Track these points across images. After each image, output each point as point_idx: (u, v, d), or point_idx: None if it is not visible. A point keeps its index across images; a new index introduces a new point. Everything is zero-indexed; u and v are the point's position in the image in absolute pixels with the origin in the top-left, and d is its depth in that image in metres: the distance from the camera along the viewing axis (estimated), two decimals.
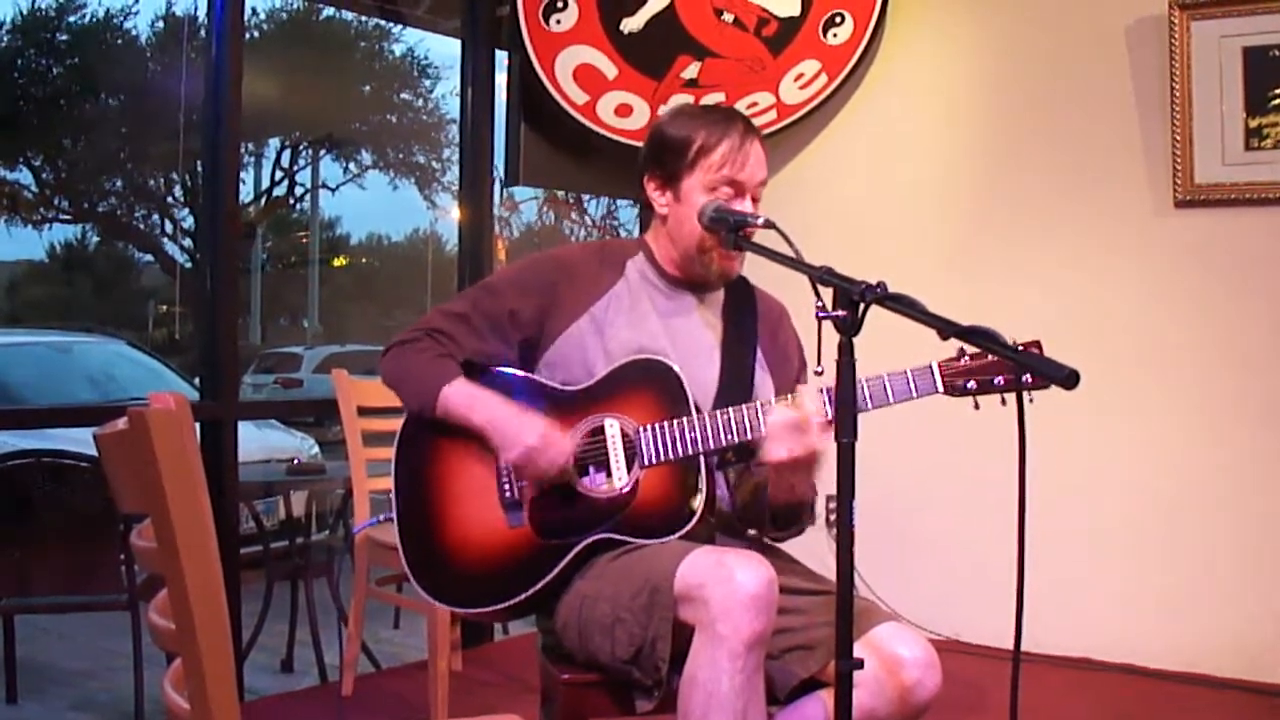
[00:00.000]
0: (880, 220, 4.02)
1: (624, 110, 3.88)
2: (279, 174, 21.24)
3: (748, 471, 1.95)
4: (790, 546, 2.00)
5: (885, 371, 1.78)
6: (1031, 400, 1.51)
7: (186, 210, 19.81)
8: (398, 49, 19.94)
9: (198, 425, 1.61)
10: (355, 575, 3.18)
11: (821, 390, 1.79)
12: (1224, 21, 3.42)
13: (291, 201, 22.34)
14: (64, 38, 17.49)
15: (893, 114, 4.04)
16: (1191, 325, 3.52)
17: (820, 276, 1.56)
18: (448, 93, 19.93)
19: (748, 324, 2.03)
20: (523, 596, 1.86)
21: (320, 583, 3.90)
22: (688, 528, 1.84)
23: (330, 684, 3.57)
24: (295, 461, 4.94)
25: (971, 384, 1.76)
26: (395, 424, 2.02)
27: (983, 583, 2.87)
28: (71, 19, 17.49)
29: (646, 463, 1.87)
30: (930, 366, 1.78)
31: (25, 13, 17.26)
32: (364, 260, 27.64)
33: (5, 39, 17.26)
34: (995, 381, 1.75)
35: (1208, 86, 3.44)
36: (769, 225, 1.80)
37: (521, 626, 3.71)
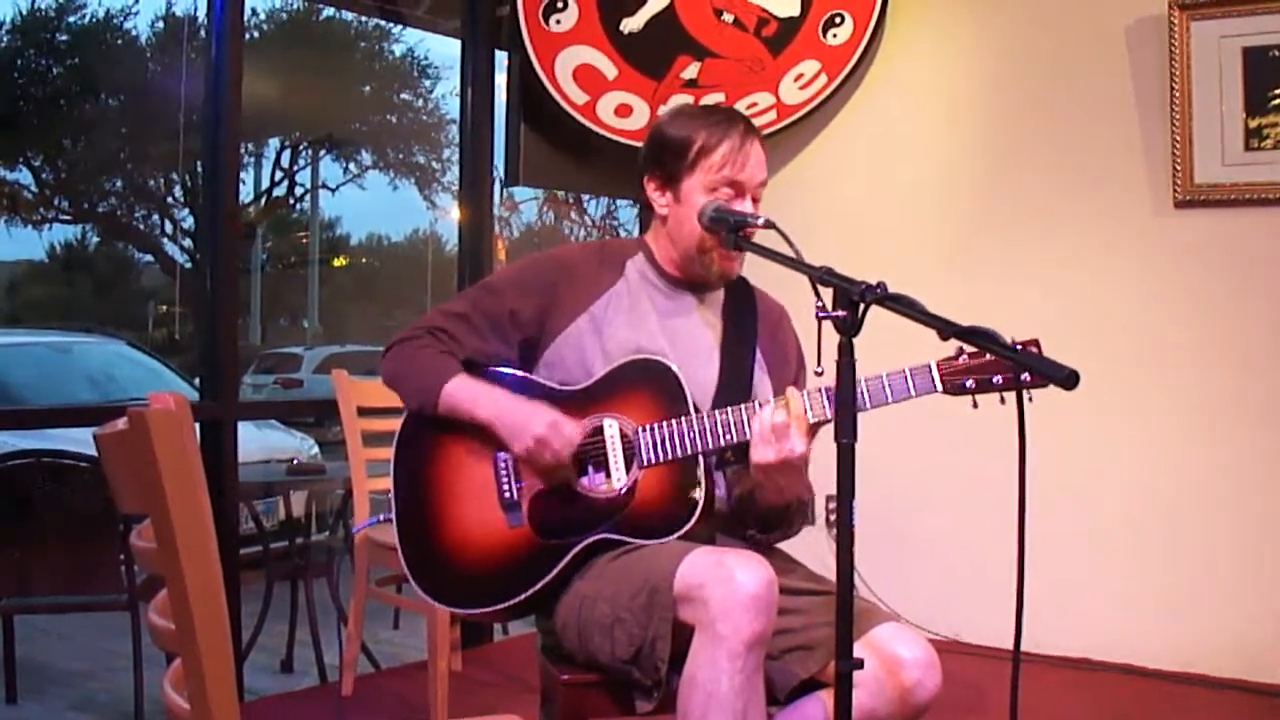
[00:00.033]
0: (880, 220, 4.02)
1: (624, 110, 3.89)
2: (279, 174, 21.25)
3: (746, 472, 1.95)
4: (790, 546, 2.00)
5: (884, 371, 1.78)
6: (1030, 399, 1.51)
7: (186, 210, 19.81)
8: (398, 49, 19.95)
9: (198, 425, 1.61)
10: (355, 575, 3.18)
11: (821, 390, 1.79)
12: (1224, 21, 3.42)
13: (291, 201, 22.34)
14: (64, 38, 17.48)
15: (893, 114, 4.04)
16: (1191, 325, 3.52)
17: (820, 277, 1.56)
18: (448, 93, 19.95)
19: (747, 325, 2.03)
20: (522, 597, 1.86)
21: (320, 583, 3.90)
22: (687, 528, 1.84)
23: (330, 684, 3.57)
24: (295, 462, 4.94)
25: (970, 383, 1.76)
26: (395, 424, 2.02)
27: (983, 583, 2.87)
28: (71, 19, 17.49)
29: (645, 463, 1.87)
30: (929, 366, 1.78)
31: (25, 13, 17.27)
32: (364, 260, 27.63)
33: (5, 39, 17.26)
34: (994, 380, 1.75)
35: (1208, 87, 3.44)
36: (769, 225, 1.80)
37: (521, 626, 3.71)
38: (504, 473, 1.91)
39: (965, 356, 1.76)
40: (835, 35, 3.95)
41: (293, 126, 19.75)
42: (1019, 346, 1.57)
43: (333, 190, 22.17)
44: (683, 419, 1.86)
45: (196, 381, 4.08)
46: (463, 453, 1.93)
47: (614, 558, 1.84)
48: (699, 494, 1.85)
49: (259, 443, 5.19)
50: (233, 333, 3.40)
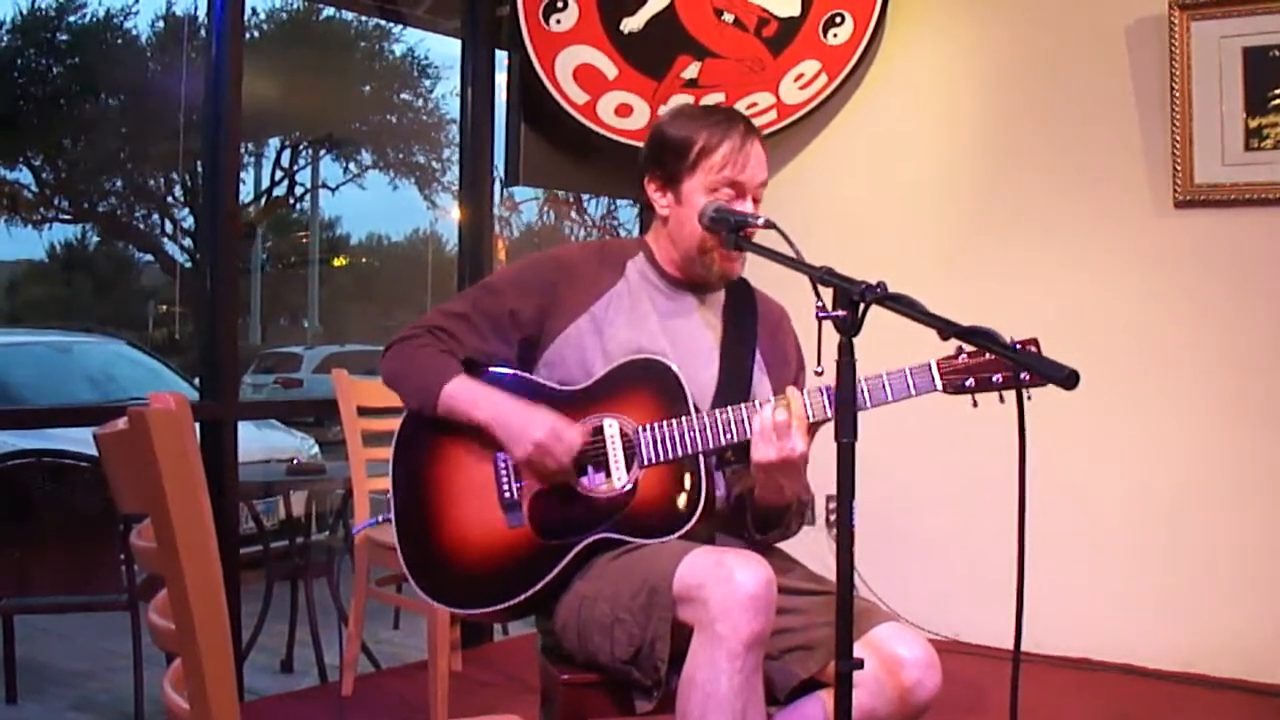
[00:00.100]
0: (880, 220, 4.03)
1: (624, 110, 3.88)
2: (279, 174, 21.26)
3: (746, 471, 1.95)
4: (790, 546, 2.00)
5: (884, 371, 1.78)
6: (1030, 398, 1.51)
7: (186, 210, 19.82)
8: (398, 49, 19.96)
9: (198, 425, 1.61)
10: (355, 575, 3.18)
11: (821, 390, 1.79)
12: (1224, 22, 3.42)
13: (291, 201, 22.35)
14: (64, 38, 17.49)
15: (893, 114, 4.05)
16: (1191, 325, 3.52)
17: (820, 276, 1.56)
18: (448, 93, 19.95)
19: (747, 326, 2.03)
20: (522, 597, 1.86)
21: (320, 583, 3.90)
22: (687, 527, 1.84)
23: (330, 684, 3.57)
24: (295, 461, 4.94)
25: (970, 382, 1.76)
26: (395, 424, 2.02)
27: (982, 583, 2.87)
28: (71, 19, 17.50)
29: (646, 462, 1.87)
30: (929, 365, 1.78)
31: (25, 13, 17.28)
32: (364, 260, 27.63)
33: (5, 39, 17.26)
34: (993, 379, 1.75)
35: (1208, 87, 3.44)
36: (769, 225, 1.80)
37: (521, 627, 3.71)
38: (504, 472, 1.91)
39: (965, 356, 1.76)
40: (835, 35, 3.95)
41: (293, 126, 19.76)
42: (1018, 346, 1.58)
43: (333, 190, 22.20)
44: (683, 418, 1.86)
45: (196, 381, 4.08)
46: (462, 452, 1.93)
47: (614, 557, 1.83)
48: (699, 494, 1.85)
49: (259, 442, 5.19)
50: (233, 333, 3.40)
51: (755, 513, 1.90)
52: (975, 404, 1.77)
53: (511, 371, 1.98)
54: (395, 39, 19.61)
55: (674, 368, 1.90)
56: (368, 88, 20.12)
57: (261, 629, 3.74)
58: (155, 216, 20.55)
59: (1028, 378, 1.61)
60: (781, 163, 4.09)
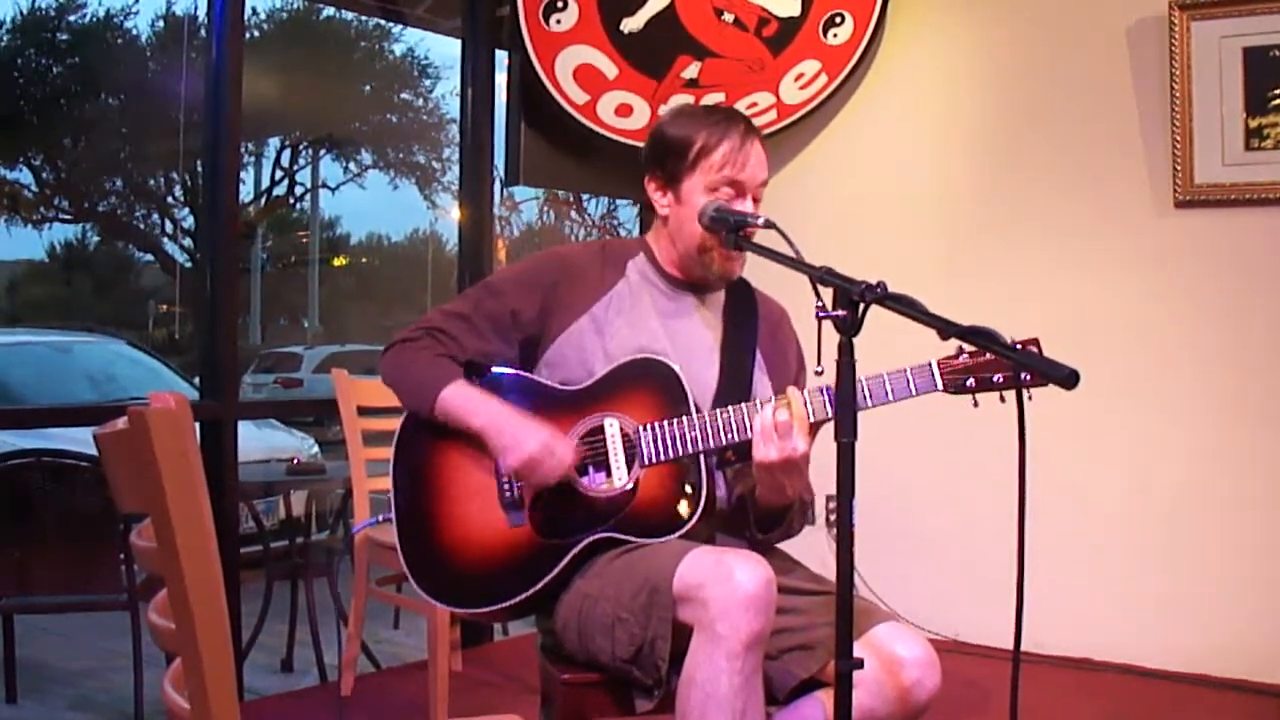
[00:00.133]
0: (880, 220, 4.02)
1: (624, 110, 3.89)
2: (279, 174, 21.28)
3: (747, 471, 1.95)
4: (790, 546, 2.00)
5: (884, 370, 1.78)
6: (1030, 398, 1.51)
7: (186, 210, 19.84)
8: (398, 49, 19.98)
9: (198, 425, 1.61)
10: (355, 575, 3.18)
11: (822, 390, 1.79)
12: (1224, 22, 3.42)
13: (291, 201, 22.36)
14: (64, 38, 17.50)
15: (893, 114, 4.05)
16: (1191, 325, 3.52)
17: (820, 276, 1.56)
18: (448, 93, 19.97)
19: (748, 326, 2.03)
20: (523, 596, 1.86)
21: (320, 583, 3.90)
22: (687, 527, 1.84)
23: (330, 684, 3.57)
24: (295, 461, 4.94)
25: (970, 382, 1.76)
26: (395, 424, 2.02)
27: (983, 583, 2.87)
28: (71, 19, 17.51)
29: (646, 462, 1.87)
30: (929, 365, 1.78)
31: (25, 13, 17.29)
32: (364, 260, 27.65)
33: (5, 39, 17.27)
34: (994, 379, 1.75)
35: (1208, 87, 3.44)
36: (769, 225, 1.80)
37: (521, 626, 3.71)
38: (504, 472, 1.91)
39: (966, 356, 1.76)
40: (835, 35, 3.95)
41: (293, 126, 19.77)
42: (1019, 346, 1.58)
43: (333, 190, 22.22)
44: (684, 418, 1.86)
45: (196, 381, 4.07)
46: (463, 452, 1.93)
47: (615, 557, 1.83)
48: (700, 494, 1.85)
49: (259, 442, 5.19)
50: (233, 332, 3.40)
51: (757, 512, 1.90)
52: (976, 404, 1.77)
53: (514, 371, 1.98)
54: (395, 39, 19.66)
55: (675, 368, 1.90)
56: (368, 88, 20.14)
57: (261, 629, 3.74)
58: (155, 216, 20.58)
59: (1028, 378, 1.61)
60: (781, 163, 4.09)
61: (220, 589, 1.07)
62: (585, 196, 5.53)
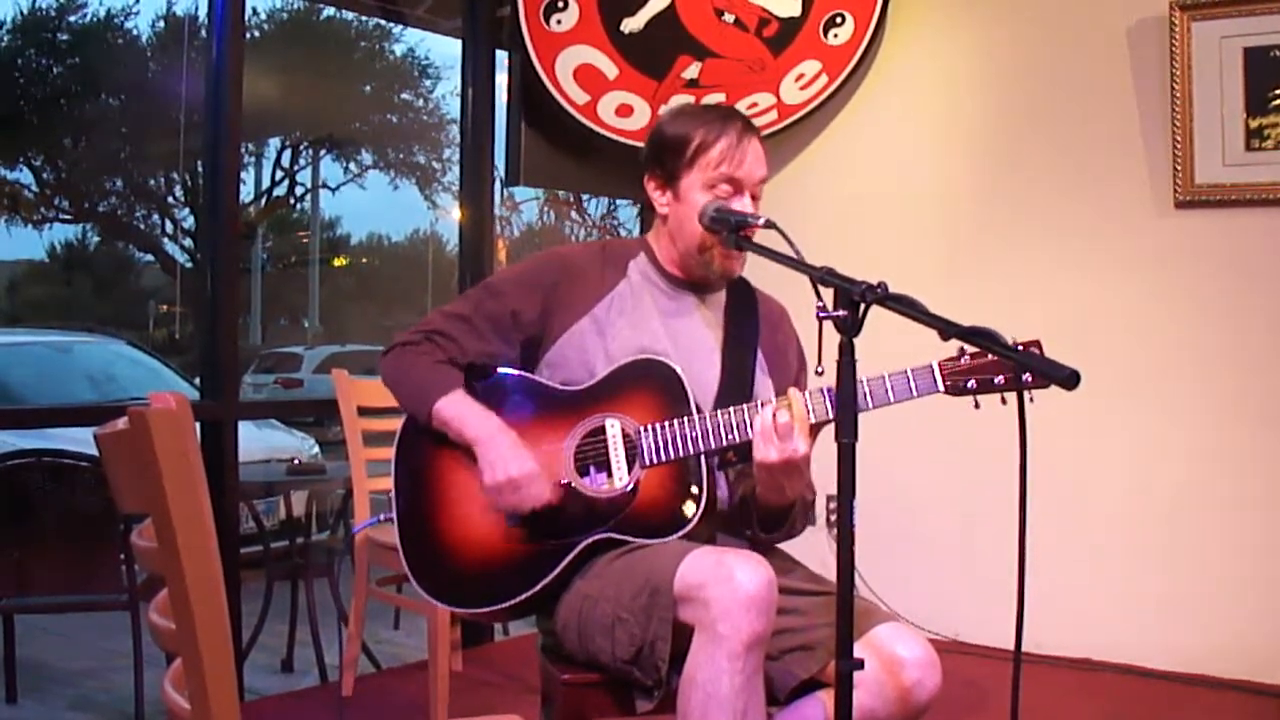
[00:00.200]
0: (880, 220, 4.02)
1: (625, 110, 3.89)
2: (279, 174, 21.28)
3: (748, 472, 1.95)
4: (790, 546, 2.00)
5: (886, 371, 1.78)
6: (1032, 400, 1.51)
7: (186, 210, 19.84)
8: (398, 49, 19.99)
9: (198, 425, 1.61)
10: (355, 575, 3.18)
11: (823, 390, 1.79)
12: (1224, 22, 3.42)
13: (292, 201, 22.37)
14: (64, 38, 17.51)
15: (893, 114, 4.04)
16: (1191, 325, 3.52)
17: (821, 277, 1.56)
18: (448, 93, 19.98)
19: (748, 325, 2.03)
20: (523, 597, 1.86)
21: (320, 583, 3.90)
22: (688, 528, 1.84)
23: (330, 684, 3.57)
24: (295, 461, 4.94)
25: (972, 383, 1.76)
26: (395, 424, 2.02)
27: (983, 583, 2.87)
28: (72, 19, 17.52)
29: (648, 462, 1.87)
30: (931, 366, 1.78)
31: (25, 13, 17.30)
32: (364, 260, 27.65)
33: (5, 39, 17.27)
34: (995, 381, 1.75)
35: (1208, 87, 3.44)
36: (770, 225, 1.80)
37: (521, 626, 3.71)
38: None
39: (967, 357, 1.76)
40: (836, 35, 3.95)
41: (293, 126, 19.77)
42: (1020, 347, 1.57)
43: (333, 190, 22.23)
44: (685, 419, 1.86)
45: (196, 381, 4.07)
46: (464, 453, 1.92)
47: (615, 557, 1.83)
48: (701, 494, 1.85)
49: (259, 442, 5.19)
50: (233, 332, 3.40)
51: (760, 513, 1.90)
52: (977, 405, 1.77)
53: (517, 373, 1.98)
54: (395, 39, 19.67)
55: (677, 369, 1.90)
56: (368, 88, 20.14)
57: (261, 629, 3.74)
58: (155, 216, 20.58)
59: (1030, 379, 1.61)
60: (782, 163, 4.09)
61: (220, 589, 1.07)
62: (585, 197, 5.53)
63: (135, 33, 18.59)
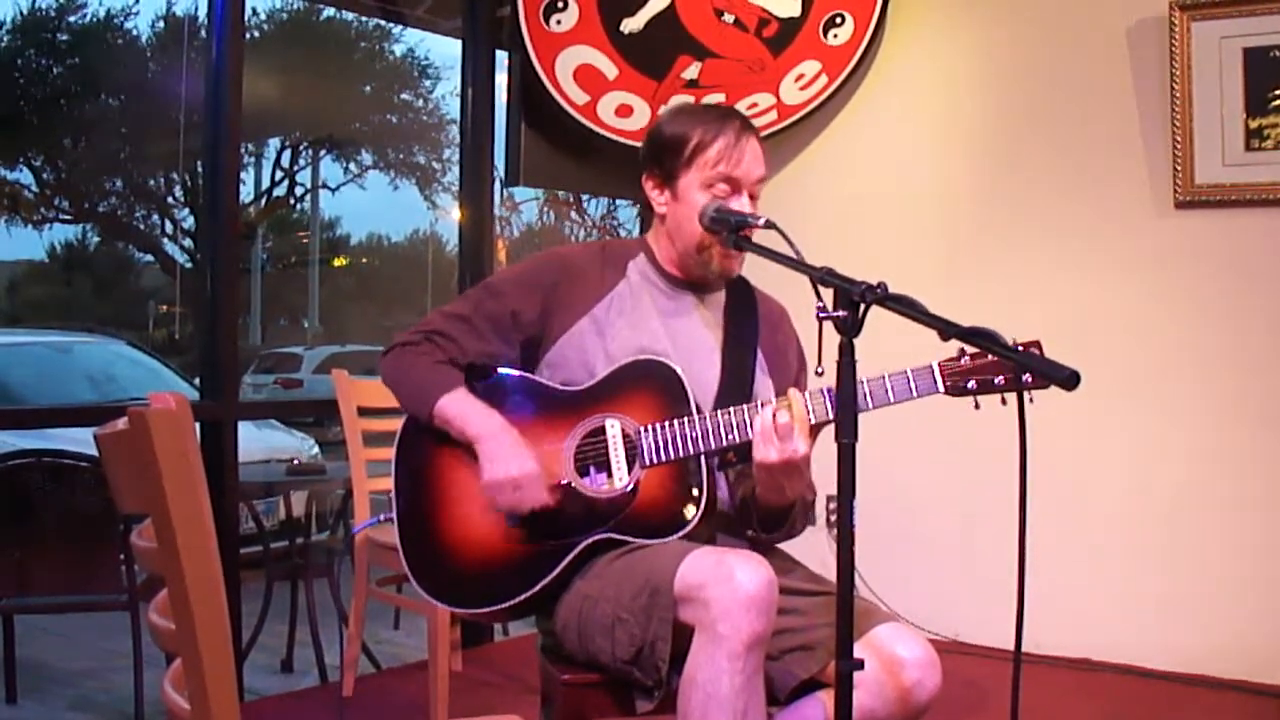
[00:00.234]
0: (880, 220, 4.02)
1: (624, 110, 3.89)
2: (279, 174, 21.29)
3: (748, 472, 1.95)
4: (790, 546, 2.00)
5: (886, 372, 1.78)
6: (1032, 400, 1.51)
7: (186, 210, 19.84)
8: (398, 49, 19.99)
9: (198, 425, 1.61)
10: (355, 575, 3.18)
11: (823, 390, 1.79)
12: (1224, 22, 3.42)
13: (291, 201, 22.37)
14: (64, 38, 17.51)
15: (893, 114, 4.04)
16: (1191, 325, 3.52)
17: (821, 277, 1.56)
18: (448, 93, 19.98)
19: (748, 325, 2.03)
20: (523, 597, 1.86)
21: (320, 583, 3.90)
22: (688, 528, 1.84)
23: (330, 684, 3.57)
24: (295, 461, 4.94)
25: (972, 384, 1.76)
26: (395, 424, 2.02)
27: (983, 583, 2.87)
28: (71, 19, 17.52)
29: (648, 463, 1.86)
30: (931, 366, 1.78)
31: (25, 13, 17.30)
32: (364, 260, 27.66)
33: (5, 39, 17.27)
34: (995, 381, 1.75)
35: (1208, 87, 3.44)
36: (769, 225, 1.80)
37: (521, 626, 3.71)
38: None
39: (967, 358, 1.76)
40: (836, 35, 3.95)
41: (293, 126, 19.77)
42: (1020, 348, 1.57)
43: (333, 190, 22.23)
44: (685, 419, 1.86)
45: (196, 381, 4.07)
46: (464, 453, 1.92)
47: (615, 558, 1.83)
48: (701, 494, 1.85)
49: (259, 442, 5.19)
50: (233, 333, 3.40)
51: (760, 514, 1.90)
52: (977, 406, 1.77)
53: (517, 373, 1.98)
54: (395, 39, 19.68)
55: (677, 369, 1.90)
56: (368, 88, 20.15)
57: (261, 629, 3.74)
58: (155, 216, 20.58)
59: (1030, 380, 1.60)
60: (781, 163, 4.09)
61: (220, 589, 1.07)
62: (585, 197, 5.53)
63: (135, 33, 18.62)
